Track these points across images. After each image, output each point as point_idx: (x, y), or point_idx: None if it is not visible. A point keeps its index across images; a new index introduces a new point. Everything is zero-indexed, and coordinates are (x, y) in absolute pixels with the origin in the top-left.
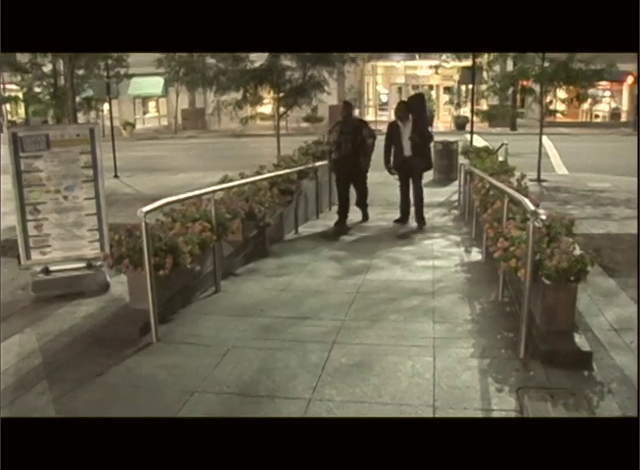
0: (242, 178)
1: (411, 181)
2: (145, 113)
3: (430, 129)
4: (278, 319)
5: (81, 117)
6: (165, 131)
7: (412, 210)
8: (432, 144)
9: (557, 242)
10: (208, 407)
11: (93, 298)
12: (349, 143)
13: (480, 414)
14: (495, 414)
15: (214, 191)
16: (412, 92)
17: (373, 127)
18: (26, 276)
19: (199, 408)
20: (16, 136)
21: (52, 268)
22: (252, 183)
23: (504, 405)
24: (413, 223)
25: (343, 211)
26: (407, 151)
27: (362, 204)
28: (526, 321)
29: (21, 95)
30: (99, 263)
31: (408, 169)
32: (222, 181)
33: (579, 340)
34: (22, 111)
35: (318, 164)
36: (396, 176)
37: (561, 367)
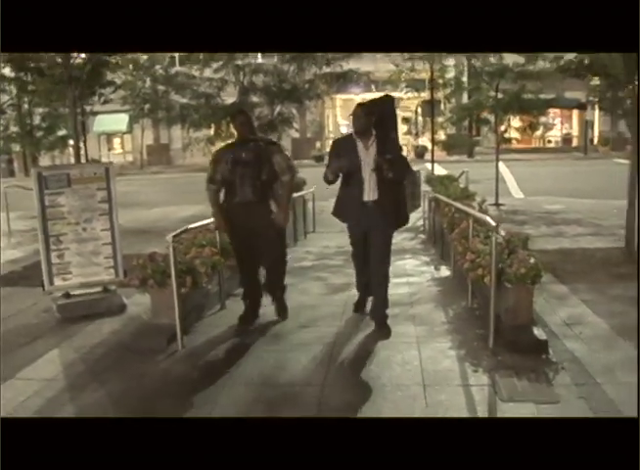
0: None
1: (371, 247)
2: (110, 149)
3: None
4: (282, 329)
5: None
6: (131, 167)
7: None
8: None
9: (515, 254)
10: (239, 396)
11: (113, 317)
12: (250, 181)
13: (460, 390)
14: (473, 389)
15: None
16: None
17: None
18: (46, 301)
19: (232, 395)
20: (40, 175)
21: (72, 293)
22: None
23: (480, 382)
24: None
25: (252, 300)
26: (369, 193)
27: (275, 287)
28: (493, 318)
29: None
30: (113, 287)
31: (368, 225)
32: None
33: (537, 332)
34: None
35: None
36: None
37: (523, 353)
